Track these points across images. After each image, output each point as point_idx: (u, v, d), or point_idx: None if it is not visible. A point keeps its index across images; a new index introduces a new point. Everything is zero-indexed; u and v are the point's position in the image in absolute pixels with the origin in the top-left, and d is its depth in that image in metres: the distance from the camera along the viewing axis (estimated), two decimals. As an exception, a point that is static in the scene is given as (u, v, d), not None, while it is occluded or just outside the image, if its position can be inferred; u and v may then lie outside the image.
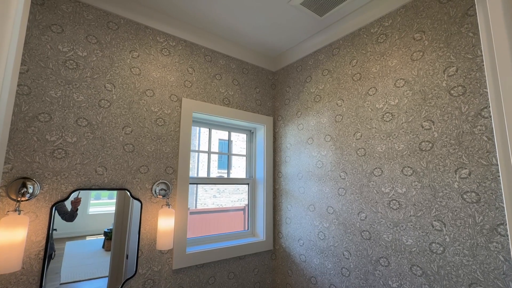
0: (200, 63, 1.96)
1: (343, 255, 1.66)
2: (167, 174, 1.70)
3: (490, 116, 1.14)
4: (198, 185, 9.54)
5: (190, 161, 9.87)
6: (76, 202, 1.39)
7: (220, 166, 10.06)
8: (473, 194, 1.16)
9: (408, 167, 1.39)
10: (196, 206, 9.35)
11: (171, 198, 1.70)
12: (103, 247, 1.45)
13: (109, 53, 1.58)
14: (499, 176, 1.11)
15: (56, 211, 1.34)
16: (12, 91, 1.24)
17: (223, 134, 9.94)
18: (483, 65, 1.15)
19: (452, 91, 1.27)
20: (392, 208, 1.44)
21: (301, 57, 2.14)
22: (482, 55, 1.18)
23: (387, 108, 1.52)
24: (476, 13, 1.22)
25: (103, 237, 1.45)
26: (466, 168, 1.19)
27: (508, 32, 0.60)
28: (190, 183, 1.89)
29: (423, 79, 1.38)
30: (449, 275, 1.21)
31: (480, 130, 1.17)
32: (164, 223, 1.53)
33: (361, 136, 1.63)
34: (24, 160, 1.28)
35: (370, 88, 1.62)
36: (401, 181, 1.42)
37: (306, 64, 2.10)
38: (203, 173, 9.86)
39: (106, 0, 1.58)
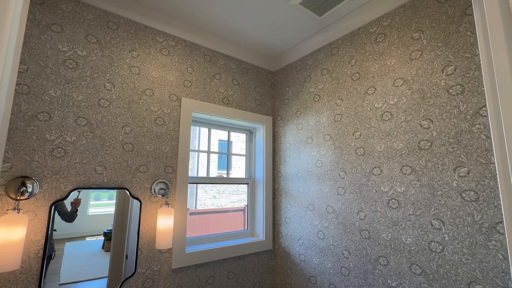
0: (199, 62, 1.97)
1: (343, 255, 1.66)
2: (166, 174, 1.70)
3: (488, 115, 1.14)
4: (198, 186, 9.53)
5: (190, 162, 9.87)
6: (75, 203, 1.39)
7: (220, 167, 10.06)
8: (472, 192, 1.17)
9: (407, 166, 1.39)
10: (196, 207, 9.34)
11: (171, 198, 1.70)
12: (102, 247, 1.45)
13: (108, 53, 1.58)
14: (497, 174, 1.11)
15: (56, 211, 1.34)
16: (10, 90, 1.25)
17: (223, 135, 9.94)
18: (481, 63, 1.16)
19: (450, 90, 1.27)
20: (391, 207, 1.44)
21: (300, 57, 2.15)
22: (480, 54, 1.18)
23: (386, 107, 1.52)
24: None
25: (103, 238, 1.45)
26: (464, 167, 1.20)
27: (505, 30, 0.60)
28: (189, 183, 1.89)
29: (422, 78, 1.38)
30: (448, 274, 1.21)
31: (478, 128, 1.17)
32: (163, 222, 1.53)
33: (360, 136, 1.64)
34: (23, 159, 1.28)
35: (369, 87, 1.62)
36: (400, 180, 1.42)
37: (305, 64, 2.11)
38: (202, 174, 9.85)
39: (105, 0, 1.59)
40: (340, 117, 1.77)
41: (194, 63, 1.94)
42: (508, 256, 1.05)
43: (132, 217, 1.54)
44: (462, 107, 1.23)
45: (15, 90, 1.30)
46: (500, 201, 1.08)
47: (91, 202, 1.44)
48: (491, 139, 1.14)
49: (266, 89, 2.36)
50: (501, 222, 1.09)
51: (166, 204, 1.62)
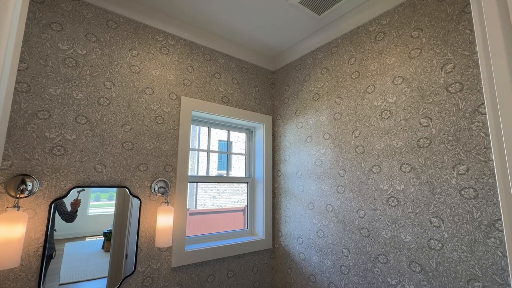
0: (199, 61, 1.97)
1: (342, 253, 1.66)
2: (166, 172, 1.70)
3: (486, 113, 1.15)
4: (198, 186, 9.53)
5: (190, 162, 9.87)
6: (75, 204, 1.39)
7: (220, 167, 10.07)
8: (471, 190, 1.17)
9: (407, 164, 1.40)
10: (196, 207, 9.34)
11: (170, 196, 1.70)
12: (102, 248, 1.45)
13: (108, 51, 1.58)
14: (496, 172, 1.11)
15: (56, 210, 1.34)
16: (10, 88, 1.25)
17: (223, 135, 9.95)
18: (480, 61, 1.16)
19: (449, 88, 1.28)
20: (391, 205, 1.44)
21: (300, 56, 2.15)
22: (478, 52, 1.18)
23: (385, 105, 1.53)
24: (473, 10, 1.22)
25: (103, 238, 1.45)
26: (463, 164, 1.20)
27: (503, 27, 0.61)
28: (189, 181, 1.89)
29: (421, 77, 1.39)
30: (447, 271, 1.21)
31: (477, 126, 1.17)
32: (163, 221, 1.54)
33: (359, 134, 1.64)
34: (23, 157, 1.28)
35: (369, 86, 1.63)
36: (399, 178, 1.42)
37: (305, 63, 2.11)
38: (202, 174, 9.84)
39: (105, -1, 1.59)
40: (340, 115, 1.78)
41: (193, 62, 1.94)
42: (507, 253, 1.05)
43: (132, 216, 1.54)
44: (461, 105, 1.23)
45: (15, 88, 1.30)
46: (499, 198, 1.08)
47: (91, 203, 1.44)
48: (489, 137, 1.14)
49: (266, 88, 2.36)
50: (500, 219, 1.09)
51: (165, 202, 1.63)
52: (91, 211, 1.44)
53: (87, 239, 1.41)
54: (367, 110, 1.61)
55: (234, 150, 10.55)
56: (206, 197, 9.72)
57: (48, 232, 1.30)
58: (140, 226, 1.57)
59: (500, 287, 1.06)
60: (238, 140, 10.58)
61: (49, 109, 1.37)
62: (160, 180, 1.66)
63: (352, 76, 1.73)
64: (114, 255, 1.46)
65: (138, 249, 1.54)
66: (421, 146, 1.35)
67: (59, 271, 1.31)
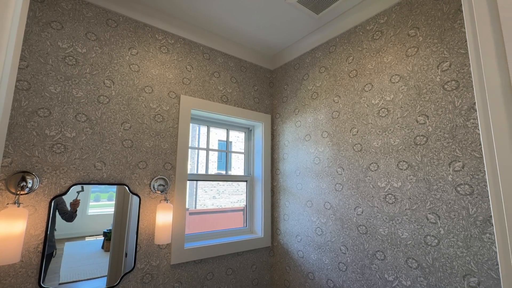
0: (198, 60, 1.98)
1: (340, 250, 1.67)
2: (165, 170, 1.72)
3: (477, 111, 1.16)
4: (198, 186, 9.54)
5: (189, 161, 9.87)
6: (75, 204, 1.40)
7: (219, 167, 10.08)
8: (467, 186, 1.18)
9: (404, 161, 1.41)
10: (195, 207, 9.35)
11: (170, 194, 1.72)
12: (102, 247, 1.46)
13: (108, 50, 1.60)
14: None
15: (57, 209, 1.35)
16: (11, 86, 1.26)
17: (222, 135, 9.96)
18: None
19: (445, 86, 1.29)
20: (388, 202, 1.45)
21: (298, 55, 2.16)
22: (468, 51, 1.20)
23: (382, 103, 1.54)
24: (468, 9, 1.24)
25: (102, 238, 1.46)
26: (459, 161, 1.21)
27: (492, 25, 0.62)
28: (188, 179, 1.90)
29: (418, 75, 1.40)
30: (443, 267, 1.22)
31: (473, 123, 1.19)
32: (162, 218, 1.55)
33: (357, 132, 1.65)
34: (23, 154, 1.30)
35: (366, 84, 1.64)
36: (396, 175, 1.43)
37: (303, 62, 2.12)
38: (202, 173, 9.84)
39: (105, -2, 1.60)
40: (338, 114, 1.79)
41: (193, 61, 1.95)
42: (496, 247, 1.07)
43: (132, 213, 1.55)
44: (457, 103, 1.24)
45: (16, 86, 1.31)
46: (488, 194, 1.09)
47: (90, 203, 1.45)
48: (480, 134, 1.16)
49: (265, 87, 2.37)
50: (495, 215, 1.10)
51: (165, 200, 1.64)
52: (91, 211, 1.45)
53: (87, 239, 1.42)
54: (365, 108, 1.63)
55: (233, 149, 10.56)
56: (206, 197, 9.73)
57: (48, 230, 1.31)
58: (140, 223, 1.58)
59: (496, 282, 1.07)
60: (238, 140, 10.59)
61: (49, 107, 1.38)
62: (159, 178, 1.67)
63: (350, 74, 1.75)
64: (114, 252, 1.47)
65: (137, 246, 1.55)
66: (418, 143, 1.36)
67: (59, 270, 1.32)
